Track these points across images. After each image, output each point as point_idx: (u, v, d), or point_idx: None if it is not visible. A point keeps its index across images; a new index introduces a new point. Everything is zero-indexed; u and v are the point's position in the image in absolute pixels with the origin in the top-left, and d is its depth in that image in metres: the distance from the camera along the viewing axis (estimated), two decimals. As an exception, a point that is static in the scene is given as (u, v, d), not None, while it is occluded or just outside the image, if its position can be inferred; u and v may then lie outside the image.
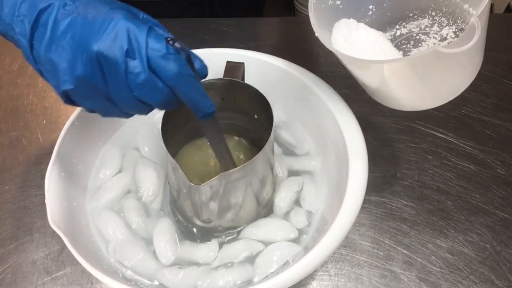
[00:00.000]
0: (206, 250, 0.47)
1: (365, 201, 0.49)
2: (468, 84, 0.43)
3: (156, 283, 0.45)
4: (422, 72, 0.40)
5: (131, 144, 0.56)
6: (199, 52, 0.56)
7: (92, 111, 0.37)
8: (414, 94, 0.44)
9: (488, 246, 0.52)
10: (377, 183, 0.57)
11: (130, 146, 0.56)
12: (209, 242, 0.48)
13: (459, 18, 0.47)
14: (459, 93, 0.44)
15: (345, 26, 0.46)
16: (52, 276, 0.50)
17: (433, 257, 0.51)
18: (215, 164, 0.51)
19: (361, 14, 0.49)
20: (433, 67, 0.40)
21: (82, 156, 0.52)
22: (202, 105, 0.37)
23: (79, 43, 0.33)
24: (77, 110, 0.50)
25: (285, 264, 0.46)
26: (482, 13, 0.37)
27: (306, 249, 0.45)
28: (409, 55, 0.48)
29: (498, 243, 0.52)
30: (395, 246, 0.52)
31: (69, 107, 0.69)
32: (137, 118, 0.56)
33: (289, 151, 0.56)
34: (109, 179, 0.53)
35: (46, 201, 0.44)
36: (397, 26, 0.51)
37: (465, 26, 0.37)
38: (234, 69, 0.49)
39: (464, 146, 0.60)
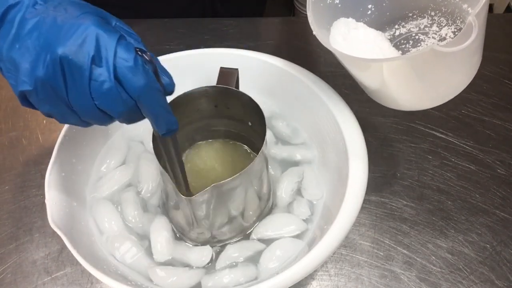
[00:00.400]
0: (199, 255, 0.47)
1: (365, 201, 0.49)
2: (467, 84, 0.43)
3: (156, 283, 0.45)
4: (421, 71, 0.40)
5: (137, 138, 0.56)
6: (199, 52, 0.57)
7: (49, 115, 0.35)
8: (413, 93, 0.44)
9: (488, 246, 0.52)
10: (377, 183, 0.57)
11: (136, 139, 0.56)
12: (203, 246, 0.48)
13: (458, 18, 0.47)
14: (458, 93, 0.44)
15: (344, 25, 0.46)
16: (52, 276, 0.50)
17: (433, 257, 0.51)
18: (213, 170, 0.51)
19: (360, 14, 0.49)
20: (432, 66, 0.40)
21: (82, 156, 0.52)
22: (166, 121, 0.36)
23: (43, 44, 0.31)
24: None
25: (289, 261, 0.46)
26: (480, 12, 0.37)
27: (312, 241, 0.45)
28: (408, 54, 0.48)
29: (498, 243, 0.52)
30: (395, 246, 0.52)
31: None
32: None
33: (285, 142, 0.56)
34: (112, 170, 0.53)
35: (46, 201, 0.44)
36: (396, 26, 0.51)
37: (464, 26, 0.37)
38: (227, 75, 0.48)
39: (464, 146, 0.60)
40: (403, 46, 0.49)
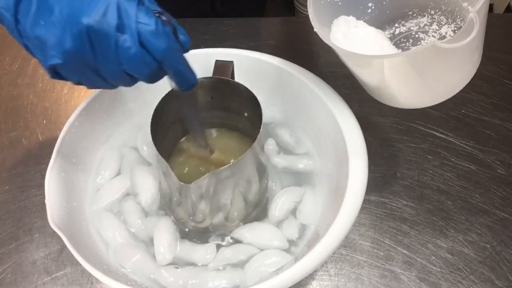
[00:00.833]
0: (204, 252, 0.47)
1: (365, 201, 0.49)
2: (467, 82, 0.43)
3: (156, 284, 0.45)
4: (421, 69, 0.40)
5: (130, 144, 0.56)
6: (199, 52, 0.57)
7: (78, 83, 0.37)
8: (413, 91, 0.44)
9: (488, 246, 0.52)
10: (377, 183, 0.57)
11: (129, 146, 0.56)
12: (207, 244, 0.48)
13: (458, 16, 0.47)
14: (458, 91, 0.44)
15: (344, 23, 0.46)
16: (52, 276, 0.50)
17: (433, 257, 0.51)
18: (208, 163, 0.51)
19: (360, 12, 0.49)
20: (432, 63, 0.40)
21: (82, 156, 0.52)
22: (187, 77, 0.38)
23: (67, 17, 0.32)
24: (77, 110, 0.50)
25: (276, 271, 0.45)
26: (481, 8, 0.37)
27: (296, 260, 0.44)
28: (408, 53, 0.48)
29: (498, 243, 0.52)
30: (395, 246, 0.52)
31: (69, 107, 0.70)
32: (137, 119, 0.57)
33: (288, 151, 0.56)
34: (108, 182, 0.53)
35: (46, 201, 0.44)
36: (396, 25, 0.50)
37: (464, 25, 0.37)
38: (223, 67, 0.49)
39: (464, 146, 0.60)
40: (403, 44, 0.49)
